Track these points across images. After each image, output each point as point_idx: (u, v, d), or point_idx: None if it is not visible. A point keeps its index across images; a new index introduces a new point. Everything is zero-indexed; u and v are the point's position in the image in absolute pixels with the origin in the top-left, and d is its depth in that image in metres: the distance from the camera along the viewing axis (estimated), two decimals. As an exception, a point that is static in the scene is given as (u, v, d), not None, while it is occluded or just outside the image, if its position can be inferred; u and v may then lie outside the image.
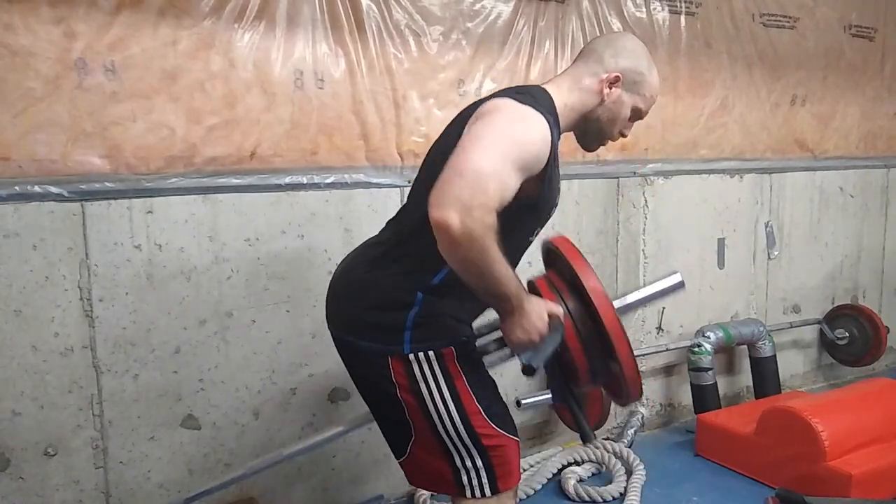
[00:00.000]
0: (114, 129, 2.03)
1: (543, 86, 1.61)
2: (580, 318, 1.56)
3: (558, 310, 1.49)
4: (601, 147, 1.74)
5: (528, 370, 1.42)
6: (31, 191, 1.94)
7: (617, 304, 1.65)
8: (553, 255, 1.73)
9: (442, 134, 1.62)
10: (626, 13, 2.95)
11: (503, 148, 1.34)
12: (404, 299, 1.49)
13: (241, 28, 2.18)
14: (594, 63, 1.60)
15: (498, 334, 1.57)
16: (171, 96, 2.10)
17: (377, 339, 1.51)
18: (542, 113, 1.43)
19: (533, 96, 1.50)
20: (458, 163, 1.31)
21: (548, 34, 2.77)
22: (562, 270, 1.66)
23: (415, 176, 1.67)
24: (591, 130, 1.66)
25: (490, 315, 1.58)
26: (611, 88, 1.59)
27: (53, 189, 1.96)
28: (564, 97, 1.59)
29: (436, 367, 1.49)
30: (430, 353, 1.49)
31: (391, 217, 1.69)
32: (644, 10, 3.00)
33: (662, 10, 3.04)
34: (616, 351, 1.52)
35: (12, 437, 1.98)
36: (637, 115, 1.66)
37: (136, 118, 2.05)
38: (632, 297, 1.79)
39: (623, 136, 1.69)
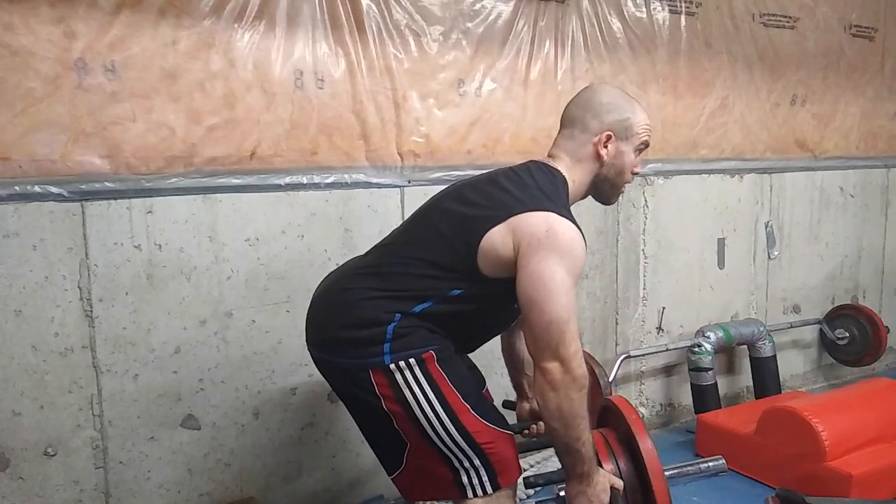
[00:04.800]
0: (114, 129, 2.03)
1: (554, 165, 1.65)
2: (631, 487, 1.62)
3: (620, 485, 1.57)
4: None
5: None
6: (30, 191, 1.94)
7: (666, 474, 1.70)
8: (610, 414, 1.78)
9: (460, 192, 1.63)
10: (626, 13, 2.95)
11: (568, 285, 1.46)
12: (382, 317, 1.51)
13: (241, 28, 2.18)
14: (579, 132, 1.64)
15: (558, 490, 1.62)
16: (171, 96, 2.09)
17: (356, 355, 1.52)
18: (574, 223, 1.51)
19: (561, 195, 1.58)
20: (541, 319, 1.44)
21: (548, 34, 2.77)
22: (619, 433, 1.72)
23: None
24: (604, 189, 1.71)
25: (547, 465, 1.64)
26: (606, 147, 1.63)
27: (53, 189, 1.96)
28: (572, 174, 1.65)
29: (418, 373, 1.50)
30: (412, 359, 1.50)
31: (379, 242, 1.70)
32: (644, 9, 2.99)
33: (662, 9, 3.04)
34: None
35: (12, 437, 1.98)
36: (641, 150, 1.69)
37: (135, 118, 2.05)
38: (677, 471, 1.84)
39: (635, 174, 1.72)
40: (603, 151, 1.63)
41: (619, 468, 1.62)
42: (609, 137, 1.62)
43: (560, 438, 1.50)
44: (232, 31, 2.16)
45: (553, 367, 1.44)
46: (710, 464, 1.85)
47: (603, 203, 1.77)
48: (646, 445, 1.60)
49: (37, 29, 1.90)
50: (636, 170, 1.70)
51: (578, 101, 1.69)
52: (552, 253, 1.45)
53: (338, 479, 2.49)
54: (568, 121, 1.68)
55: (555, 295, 1.44)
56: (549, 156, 1.69)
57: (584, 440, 1.49)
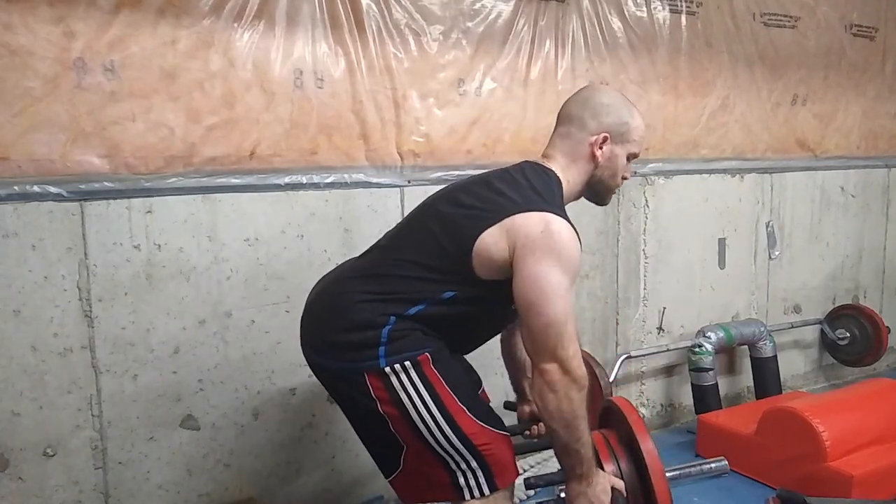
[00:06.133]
0: (113, 129, 2.03)
1: (548, 165, 1.64)
2: (632, 487, 1.61)
3: (621, 486, 1.57)
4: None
5: None
6: (29, 191, 1.93)
7: (668, 475, 1.69)
8: (611, 415, 1.78)
9: (453, 195, 1.63)
10: (626, 12, 2.94)
11: (565, 287, 1.46)
12: (376, 320, 1.51)
13: (240, 27, 2.17)
14: (577, 130, 1.64)
15: (559, 491, 1.63)
16: (171, 96, 2.09)
17: (351, 358, 1.52)
18: (569, 223, 1.51)
19: (555, 195, 1.57)
20: (539, 322, 1.45)
21: (548, 33, 2.77)
22: (620, 434, 1.71)
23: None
24: (599, 190, 1.71)
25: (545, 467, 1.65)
26: (601, 149, 1.63)
27: (52, 189, 1.96)
28: (566, 174, 1.65)
29: (413, 376, 1.49)
30: (407, 362, 1.49)
31: (373, 245, 1.70)
32: (644, 9, 2.99)
33: (663, 9, 3.03)
34: None
35: (11, 437, 1.97)
36: (633, 157, 1.70)
37: (135, 118, 2.05)
38: (679, 472, 1.83)
39: (625, 178, 1.72)
40: (598, 152, 1.63)
41: (620, 469, 1.62)
42: (605, 139, 1.62)
43: (560, 439, 1.50)
44: (231, 31, 2.16)
45: (551, 368, 1.45)
46: (713, 465, 1.85)
47: (597, 204, 1.77)
48: (647, 446, 1.60)
49: (36, 28, 1.90)
50: (626, 175, 1.71)
51: (578, 98, 1.69)
52: (548, 254, 1.45)
53: (337, 479, 2.49)
54: (565, 118, 1.68)
55: (552, 297, 1.44)
56: (544, 156, 1.68)
57: (584, 441, 1.50)
